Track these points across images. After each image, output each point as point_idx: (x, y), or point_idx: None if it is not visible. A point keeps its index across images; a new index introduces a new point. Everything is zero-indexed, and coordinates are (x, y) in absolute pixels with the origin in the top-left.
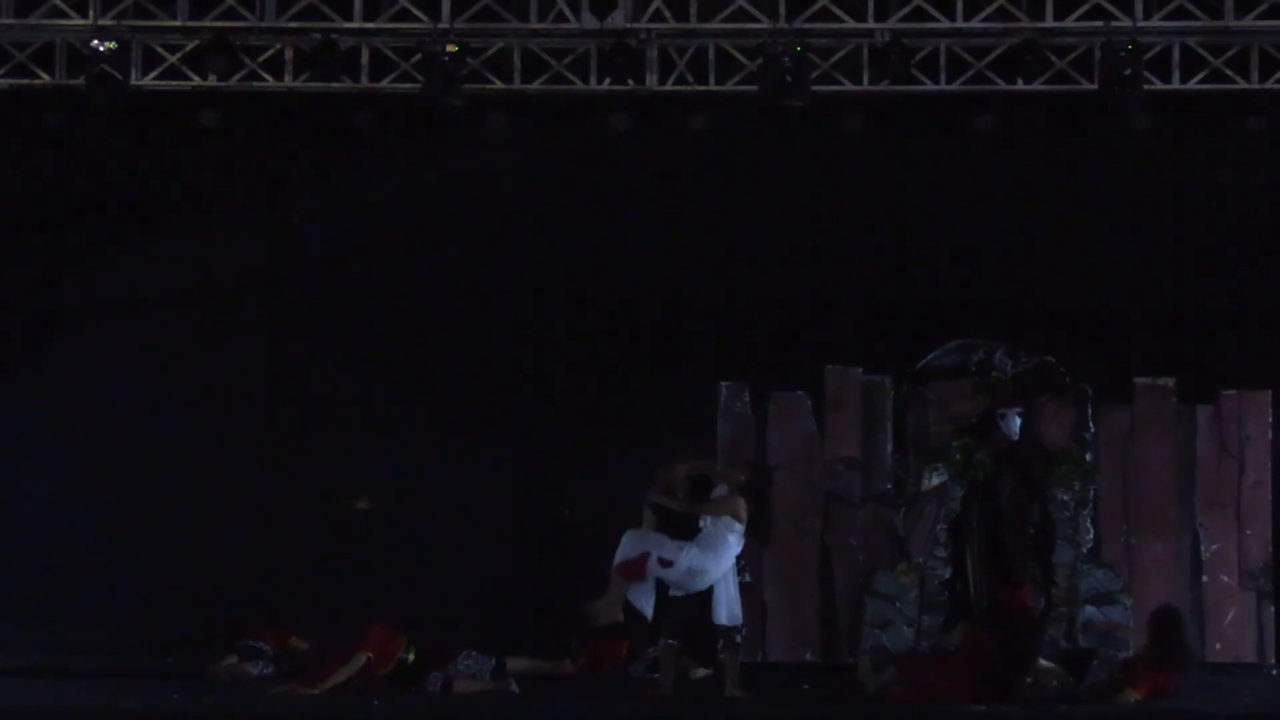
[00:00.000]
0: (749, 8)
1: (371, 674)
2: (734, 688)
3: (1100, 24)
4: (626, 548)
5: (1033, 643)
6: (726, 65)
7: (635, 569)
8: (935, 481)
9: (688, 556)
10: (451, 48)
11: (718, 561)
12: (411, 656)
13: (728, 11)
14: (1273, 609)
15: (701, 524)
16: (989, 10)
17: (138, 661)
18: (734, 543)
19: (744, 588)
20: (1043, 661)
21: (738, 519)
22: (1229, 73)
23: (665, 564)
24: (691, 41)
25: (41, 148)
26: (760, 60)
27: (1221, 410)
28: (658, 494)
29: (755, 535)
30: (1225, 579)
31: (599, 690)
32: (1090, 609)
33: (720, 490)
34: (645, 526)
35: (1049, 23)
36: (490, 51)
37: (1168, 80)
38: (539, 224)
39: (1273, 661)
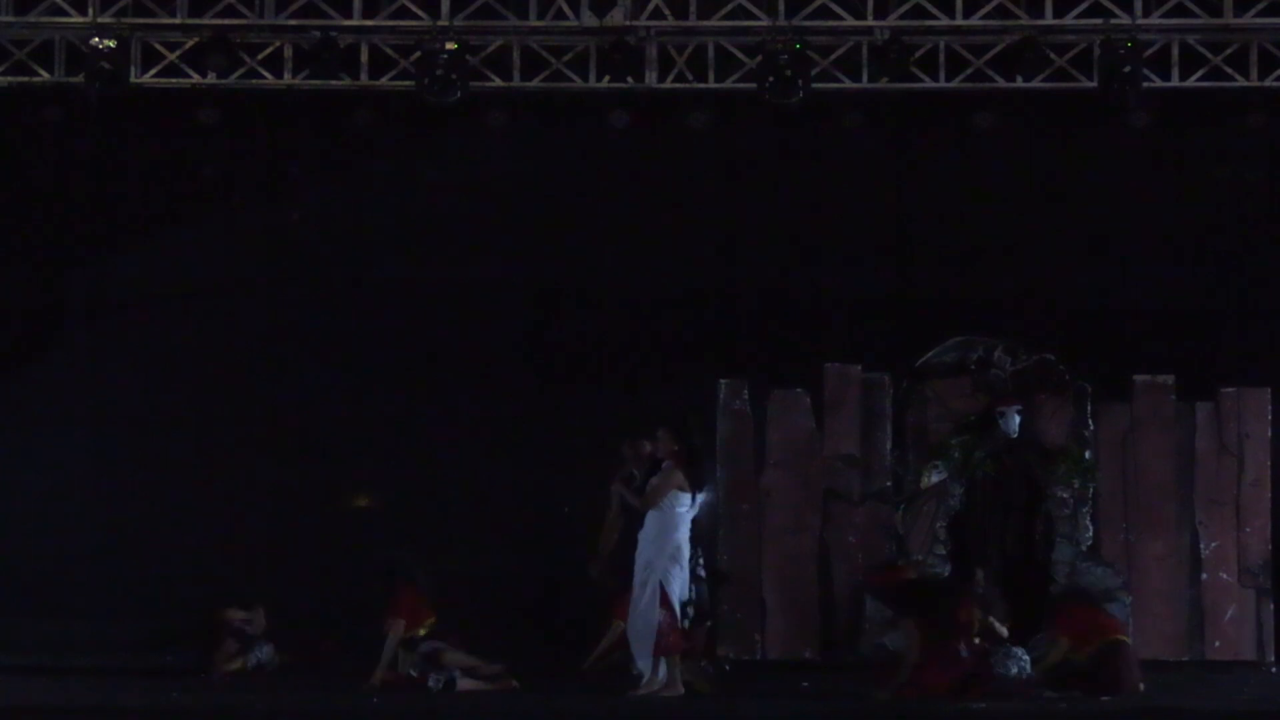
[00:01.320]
0: (748, 5)
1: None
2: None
3: (1099, 21)
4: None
5: (940, 616)
6: (726, 63)
7: (674, 640)
8: (934, 479)
9: (663, 565)
10: (451, 45)
11: (676, 535)
12: (424, 632)
13: (727, 9)
14: (1272, 606)
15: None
16: (988, 8)
17: (137, 659)
18: (685, 514)
19: (697, 580)
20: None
21: (682, 489)
22: (1228, 70)
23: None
24: (691, 39)
25: (41, 145)
26: (760, 58)
27: (1221, 408)
28: (622, 484)
29: (697, 486)
30: (1224, 576)
31: (598, 689)
32: None
33: (666, 466)
34: (614, 512)
35: (1048, 20)
36: (490, 49)
37: (1167, 78)
38: (538, 221)
39: (1272, 659)
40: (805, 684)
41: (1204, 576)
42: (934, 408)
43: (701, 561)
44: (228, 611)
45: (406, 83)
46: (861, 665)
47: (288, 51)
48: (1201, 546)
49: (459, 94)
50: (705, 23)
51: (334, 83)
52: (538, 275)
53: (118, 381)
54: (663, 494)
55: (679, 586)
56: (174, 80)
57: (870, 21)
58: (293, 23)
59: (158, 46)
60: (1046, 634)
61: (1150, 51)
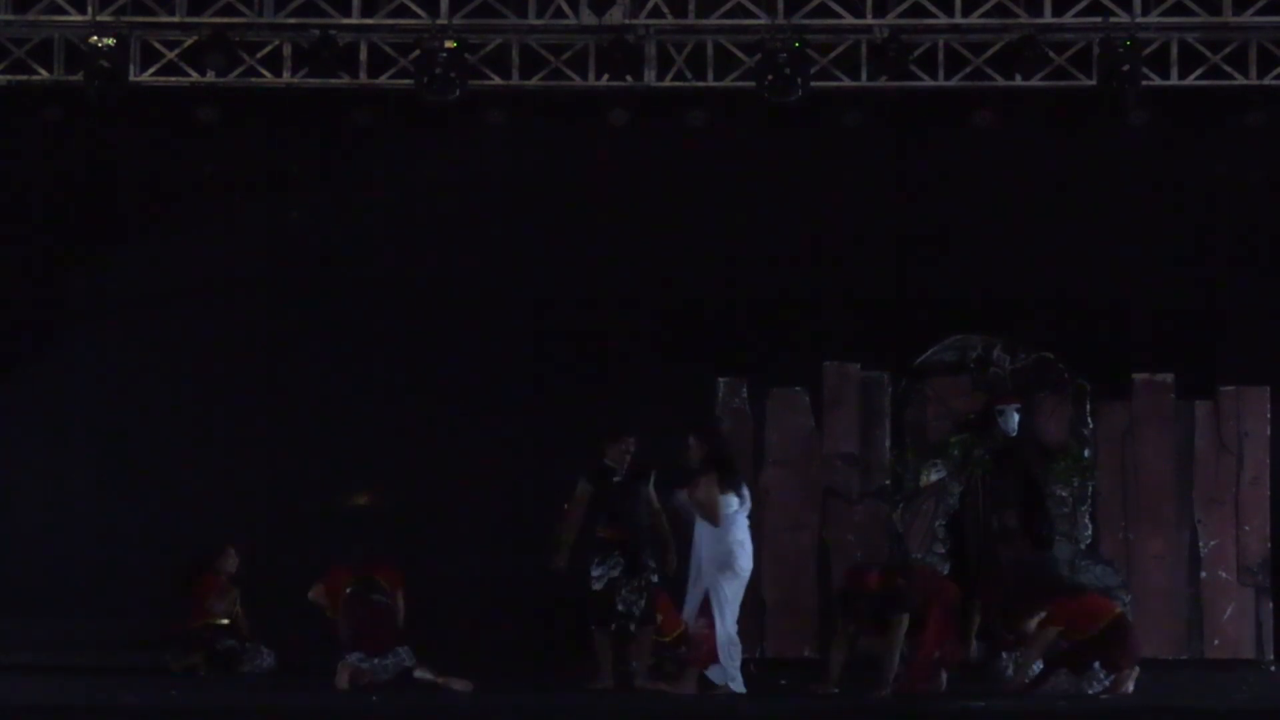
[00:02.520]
0: (747, 4)
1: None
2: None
3: (1098, 20)
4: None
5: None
6: (725, 61)
7: (704, 652)
8: (933, 478)
9: (711, 574)
10: (450, 44)
11: (728, 539)
12: (350, 590)
13: (726, 7)
14: (1270, 605)
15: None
16: (987, 6)
17: (137, 657)
18: (734, 515)
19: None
20: None
21: (724, 493)
22: (1227, 68)
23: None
24: (690, 37)
25: (40, 144)
26: (759, 56)
27: (1220, 406)
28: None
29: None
30: (1223, 575)
31: (597, 689)
32: None
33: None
34: (577, 500)
35: (1047, 18)
36: (489, 47)
37: (1166, 76)
38: (537, 220)
39: (1270, 657)
40: (783, 681)
41: (1203, 575)
42: (933, 406)
43: (653, 564)
44: (200, 577)
45: (405, 81)
46: (860, 664)
47: (287, 50)
48: (1200, 545)
49: (458, 92)
50: (704, 21)
51: (333, 81)
52: (537, 273)
53: (117, 381)
54: (718, 504)
55: (731, 594)
56: (173, 79)
57: (869, 20)
58: (292, 21)
59: (157, 45)
60: (1036, 623)
61: (1149, 50)
